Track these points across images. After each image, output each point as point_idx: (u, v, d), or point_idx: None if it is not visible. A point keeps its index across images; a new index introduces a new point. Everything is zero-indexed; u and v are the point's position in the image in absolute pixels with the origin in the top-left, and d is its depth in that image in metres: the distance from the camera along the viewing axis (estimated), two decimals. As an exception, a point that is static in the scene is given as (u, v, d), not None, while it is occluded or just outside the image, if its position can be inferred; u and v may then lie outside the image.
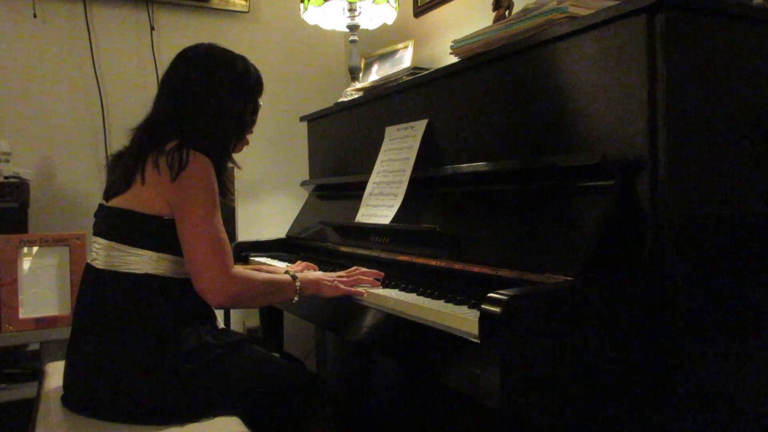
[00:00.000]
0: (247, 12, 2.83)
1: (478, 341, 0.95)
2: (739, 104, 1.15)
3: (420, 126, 1.66)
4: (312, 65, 3.02)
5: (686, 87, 1.07)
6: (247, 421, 1.29)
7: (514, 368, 0.90)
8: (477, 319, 0.95)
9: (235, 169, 1.57)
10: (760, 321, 1.15)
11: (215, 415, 1.29)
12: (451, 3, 2.36)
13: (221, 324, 1.53)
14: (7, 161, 2.13)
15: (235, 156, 1.51)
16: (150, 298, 1.30)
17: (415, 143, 1.65)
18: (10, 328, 1.97)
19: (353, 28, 2.37)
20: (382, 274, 1.47)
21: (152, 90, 2.58)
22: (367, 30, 2.49)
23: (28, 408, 1.69)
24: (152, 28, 2.64)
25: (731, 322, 1.12)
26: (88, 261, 1.38)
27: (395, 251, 1.56)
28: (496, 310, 0.91)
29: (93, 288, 1.34)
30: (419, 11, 2.55)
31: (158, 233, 1.30)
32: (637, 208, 1.08)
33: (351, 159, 2.10)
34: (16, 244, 2.01)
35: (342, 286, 1.42)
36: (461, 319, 1.04)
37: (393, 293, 1.30)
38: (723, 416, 1.12)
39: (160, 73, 2.60)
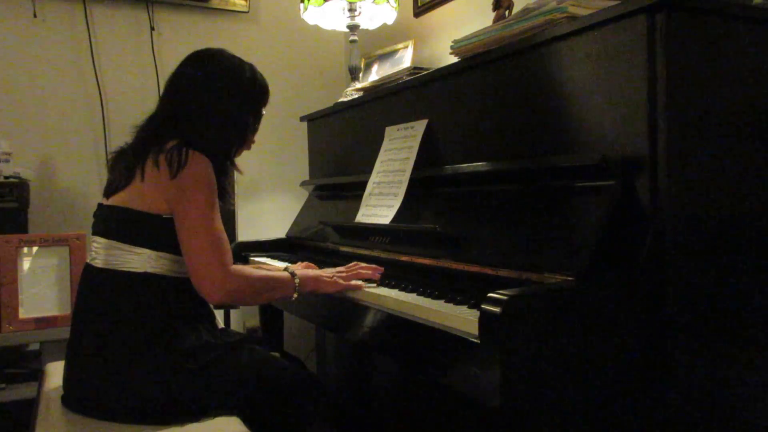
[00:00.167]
0: (247, 12, 2.82)
1: (478, 341, 0.95)
2: (739, 104, 1.14)
3: (420, 126, 1.66)
4: (312, 65, 3.02)
5: (686, 87, 1.07)
6: (246, 421, 1.29)
7: (514, 368, 0.90)
8: (477, 319, 0.95)
9: (235, 172, 1.57)
10: (760, 321, 1.15)
11: (215, 415, 1.29)
12: (451, 3, 2.36)
13: (221, 324, 1.53)
14: (7, 161, 2.13)
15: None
16: (149, 296, 1.30)
17: (415, 143, 1.65)
18: (10, 328, 1.97)
19: (353, 28, 2.37)
20: (382, 268, 1.47)
21: (152, 90, 2.61)
22: (367, 30, 2.49)
23: (28, 408, 1.69)
24: (152, 28, 2.64)
25: (731, 322, 1.12)
26: (88, 261, 1.38)
27: (395, 251, 1.56)
28: (496, 310, 0.91)
29: (92, 287, 1.34)
30: (419, 11, 2.55)
31: (157, 231, 1.31)
32: (637, 208, 1.08)
33: (351, 159, 2.10)
34: (16, 244, 2.01)
35: (341, 281, 1.42)
36: (461, 319, 1.04)
37: (393, 293, 1.30)
38: (723, 416, 1.12)
39: (160, 73, 2.62)
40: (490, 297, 0.93)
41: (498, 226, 1.30)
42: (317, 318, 1.75)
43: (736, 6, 1.15)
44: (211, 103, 1.39)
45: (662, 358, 1.04)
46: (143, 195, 1.31)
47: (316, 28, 2.49)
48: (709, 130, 1.10)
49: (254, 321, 2.79)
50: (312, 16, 2.41)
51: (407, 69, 1.89)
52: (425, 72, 1.74)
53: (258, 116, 1.51)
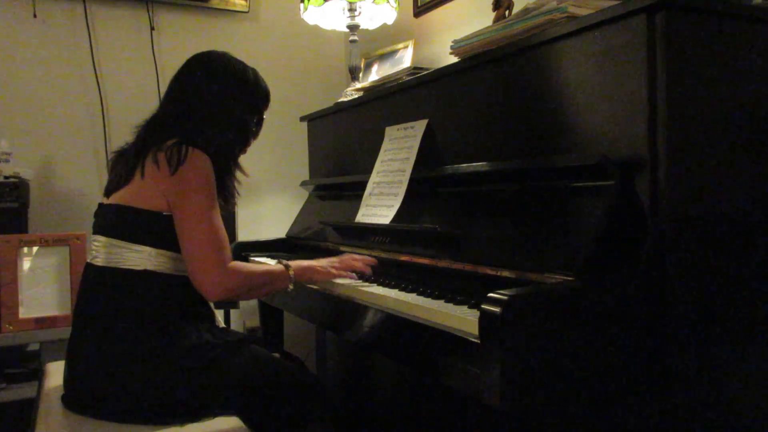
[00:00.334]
0: (247, 12, 2.82)
1: (478, 341, 0.95)
2: (739, 104, 1.14)
3: (420, 126, 1.66)
4: (312, 65, 3.02)
5: (686, 87, 1.07)
6: (246, 421, 1.30)
7: (514, 368, 0.90)
8: (477, 319, 0.95)
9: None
10: (760, 321, 1.15)
11: (215, 415, 1.29)
12: (451, 3, 2.36)
13: (221, 323, 1.53)
14: (7, 161, 2.13)
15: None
16: (149, 294, 1.30)
17: (415, 143, 1.65)
18: (10, 328, 1.98)
19: (353, 28, 2.36)
20: (375, 260, 1.51)
21: (152, 90, 2.61)
22: (367, 30, 2.49)
23: (28, 408, 1.70)
24: (152, 28, 2.64)
25: (731, 322, 1.12)
26: (88, 260, 1.39)
27: (395, 251, 1.57)
28: (496, 310, 0.91)
29: (93, 286, 1.34)
30: (419, 11, 2.55)
31: (157, 229, 1.31)
32: (637, 208, 1.08)
33: (351, 159, 2.10)
34: (16, 244, 2.01)
35: (333, 271, 1.47)
36: (461, 319, 1.04)
37: (393, 293, 1.30)
38: (723, 416, 1.12)
39: (160, 73, 2.62)
40: (491, 297, 0.93)
41: (498, 226, 1.30)
42: (317, 318, 1.75)
43: (736, 6, 1.15)
44: (217, 104, 1.41)
45: (662, 358, 1.04)
46: (143, 192, 1.31)
47: (316, 28, 2.49)
48: (708, 130, 1.10)
49: (254, 321, 2.79)
50: (312, 16, 2.41)
51: (407, 69, 1.89)
52: (425, 72, 1.74)
53: (260, 120, 1.54)
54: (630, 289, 1.03)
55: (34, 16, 2.44)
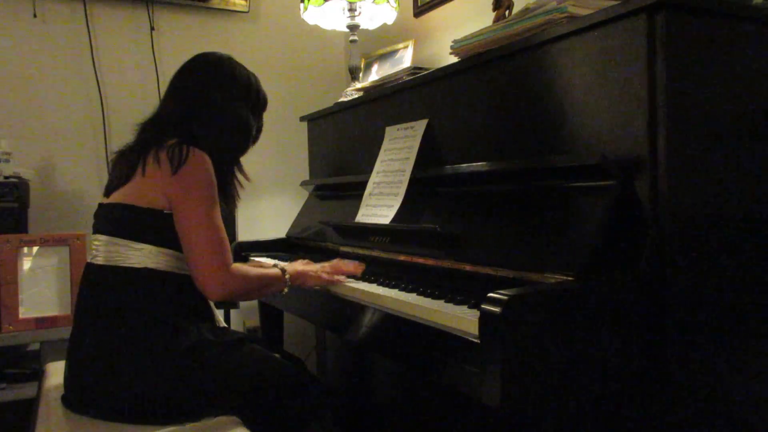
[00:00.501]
0: (247, 12, 2.82)
1: (478, 341, 0.95)
2: (739, 104, 1.15)
3: (420, 126, 1.66)
4: (312, 65, 3.02)
5: (686, 87, 1.07)
6: (246, 421, 1.29)
7: (514, 368, 0.90)
8: (477, 319, 0.95)
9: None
10: (760, 321, 1.15)
11: (215, 415, 1.29)
12: (451, 3, 2.36)
13: (222, 323, 1.53)
14: (7, 161, 2.13)
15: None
16: (150, 293, 1.31)
17: (415, 143, 1.65)
18: (10, 328, 1.98)
19: (353, 28, 2.36)
20: (364, 265, 1.55)
21: (152, 90, 2.61)
22: (367, 30, 2.49)
23: (28, 408, 1.70)
24: (152, 28, 2.64)
25: (731, 322, 1.12)
26: (89, 260, 1.39)
27: (395, 251, 1.57)
28: (496, 309, 0.91)
29: (93, 285, 1.34)
30: (419, 11, 2.55)
31: (157, 227, 1.31)
32: (637, 208, 1.08)
33: (351, 159, 2.10)
34: (16, 244, 2.01)
35: (324, 276, 1.51)
36: (461, 319, 1.04)
37: (393, 293, 1.30)
38: (723, 416, 1.12)
39: (160, 73, 2.62)
40: (491, 297, 0.93)
41: (498, 226, 1.30)
42: (317, 318, 1.75)
43: (736, 6, 1.15)
44: (218, 107, 1.42)
45: (662, 358, 1.04)
46: (144, 191, 1.32)
47: (316, 28, 2.49)
48: (708, 130, 1.10)
49: (254, 321, 2.79)
50: (312, 16, 2.41)
51: (407, 69, 1.89)
52: (425, 72, 1.74)
53: (260, 124, 1.56)
54: (630, 289, 1.03)
55: (34, 16, 2.44)
